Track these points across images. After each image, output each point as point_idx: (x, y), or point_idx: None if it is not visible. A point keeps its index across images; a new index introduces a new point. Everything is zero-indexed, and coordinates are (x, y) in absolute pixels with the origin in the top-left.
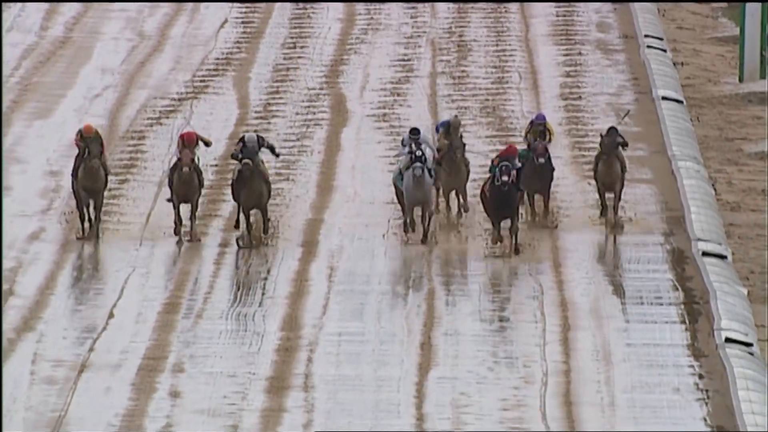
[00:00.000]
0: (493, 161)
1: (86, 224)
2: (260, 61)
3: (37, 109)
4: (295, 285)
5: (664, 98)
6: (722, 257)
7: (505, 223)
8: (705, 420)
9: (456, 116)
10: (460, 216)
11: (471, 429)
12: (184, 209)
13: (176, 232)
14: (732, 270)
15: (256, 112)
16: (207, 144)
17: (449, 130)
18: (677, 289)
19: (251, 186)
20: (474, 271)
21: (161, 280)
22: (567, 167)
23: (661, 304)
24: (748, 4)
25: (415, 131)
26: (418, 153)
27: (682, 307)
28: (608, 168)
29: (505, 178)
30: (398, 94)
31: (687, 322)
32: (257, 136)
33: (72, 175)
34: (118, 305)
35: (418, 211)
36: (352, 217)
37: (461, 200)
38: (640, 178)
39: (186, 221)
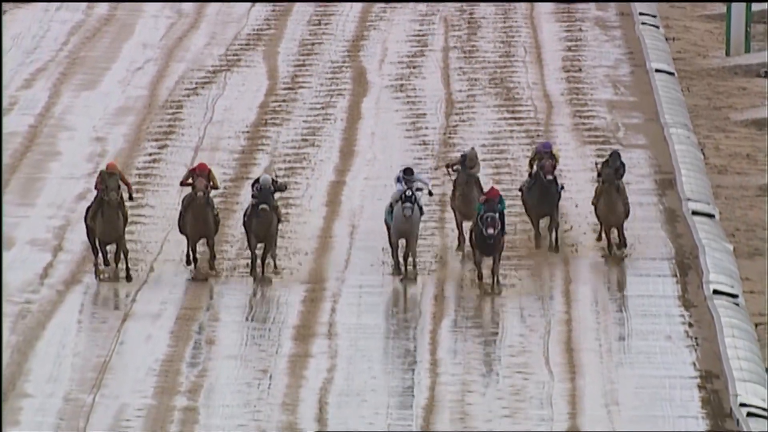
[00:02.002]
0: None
1: (110, 265)
2: (288, 37)
3: (84, 81)
4: (319, 241)
5: (657, 70)
6: (710, 216)
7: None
8: (694, 365)
9: (472, 148)
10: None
11: (480, 373)
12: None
13: (188, 262)
14: (719, 228)
15: (284, 83)
16: (215, 186)
17: (466, 162)
18: (669, 245)
19: (264, 222)
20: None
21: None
22: (568, 134)
23: (654, 259)
24: None
25: (408, 171)
26: (409, 193)
27: (674, 261)
28: (610, 207)
29: (490, 231)
30: (414, 67)
31: (678, 275)
32: (272, 179)
33: (85, 217)
34: (158, 260)
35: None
36: (372, 179)
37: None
38: (636, 143)
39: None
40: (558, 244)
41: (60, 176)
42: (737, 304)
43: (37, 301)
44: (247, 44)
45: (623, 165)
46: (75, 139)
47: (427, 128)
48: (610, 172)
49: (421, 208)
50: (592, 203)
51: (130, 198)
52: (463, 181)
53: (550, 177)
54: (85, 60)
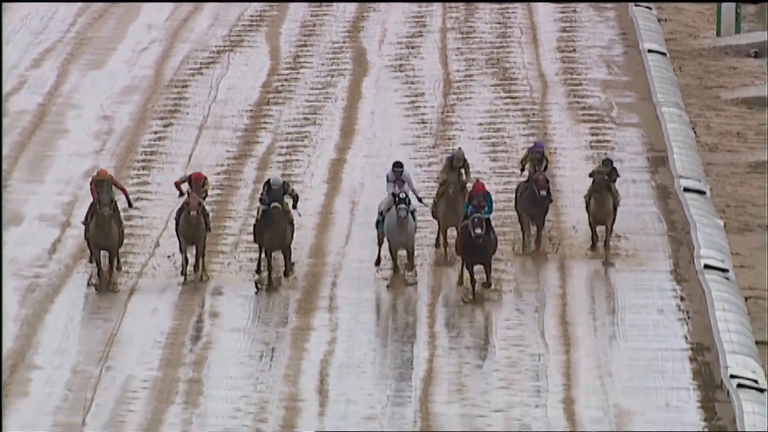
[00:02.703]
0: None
1: (104, 275)
2: (290, 18)
3: (91, 61)
4: (321, 217)
5: (649, 51)
6: (701, 192)
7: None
8: (686, 337)
9: (459, 148)
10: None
11: (477, 345)
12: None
13: (183, 273)
14: (710, 204)
15: (286, 63)
16: (205, 195)
17: (452, 164)
18: (661, 220)
19: (276, 227)
20: None
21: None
22: (563, 113)
23: (647, 234)
24: None
25: (398, 164)
26: (402, 195)
27: (666, 237)
28: (601, 204)
29: (478, 231)
30: (412, 47)
31: (670, 250)
32: (283, 181)
33: (83, 223)
34: (164, 236)
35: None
36: (372, 157)
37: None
38: (629, 122)
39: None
40: (540, 245)
41: (68, 153)
42: (728, 279)
43: (46, 276)
44: (250, 25)
45: (615, 171)
46: (82, 117)
47: (425, 107)
48: (601, 179)
49: (413, 213)
50: (585, 199)
51: (129, 205)
52: (452, 182)
53: (543, 192)
54: (92, 40)
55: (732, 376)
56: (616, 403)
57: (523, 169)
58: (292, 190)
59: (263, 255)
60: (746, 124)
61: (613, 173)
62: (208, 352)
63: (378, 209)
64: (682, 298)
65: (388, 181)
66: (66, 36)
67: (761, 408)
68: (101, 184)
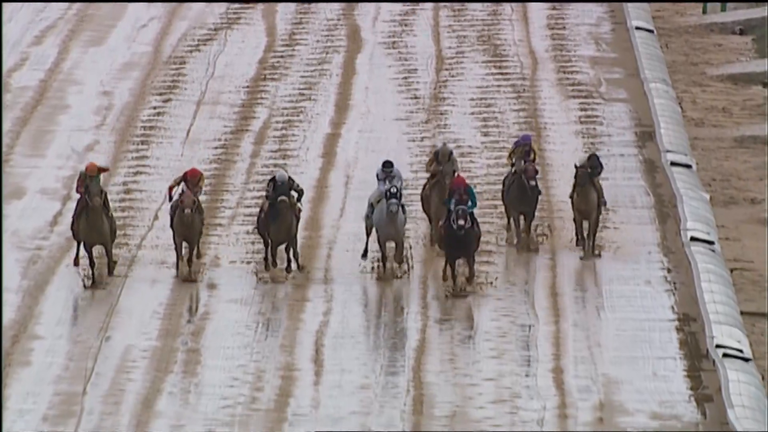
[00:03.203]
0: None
1: (96, 271)
2: None
3: (92, 38)
4: (316, 191)
5: (637, 28)
6: (688, 166)
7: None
8: (672, 308)
9: (445, 143)
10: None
11: (468, 316)
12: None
13: (177, 268)
14: (696, 178)
15: (282, 40)
16: (200, 188)
17: (439, 157)
18: (648, 194)
19: (283, 220)
20: (477, 189)
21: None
22: (553, 88)
23: (635, 207)
24: None
25: (388, 164)
26: (393, 190)
27: (653, 209)
28: (584, 197)
29: (461, 222)
30: (406, 25)
31: (657, 223)
32: (288, 176)
33: (73, 218)
34: (162, 209)
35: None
36: (366, 132)
37: None
38: (617, 97)
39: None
40: (528, 240)
41: (69, 128)
42: (713, 251)
43: (47, 248)
44: (246, 3)
45: (600, 165)
46: (83, 93)
47: (418, 83)
48: (584, 173)
49: (403, 207)
50: (570, 197)
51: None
52: (447, 173)
53: (533, 183)
54: (93, 18)
55: (718, 346)
56: (605, 372)
57: (513, 165)
58: (297, 185)
59: (269, 249)
60: (731, 100)
61: (597, 168)
62: (205, 323)
63: (368, 201)
64: (668, 270)
65: (378, 179)
66: (67, 13)
67: (746, 377)
68: (90, 179)
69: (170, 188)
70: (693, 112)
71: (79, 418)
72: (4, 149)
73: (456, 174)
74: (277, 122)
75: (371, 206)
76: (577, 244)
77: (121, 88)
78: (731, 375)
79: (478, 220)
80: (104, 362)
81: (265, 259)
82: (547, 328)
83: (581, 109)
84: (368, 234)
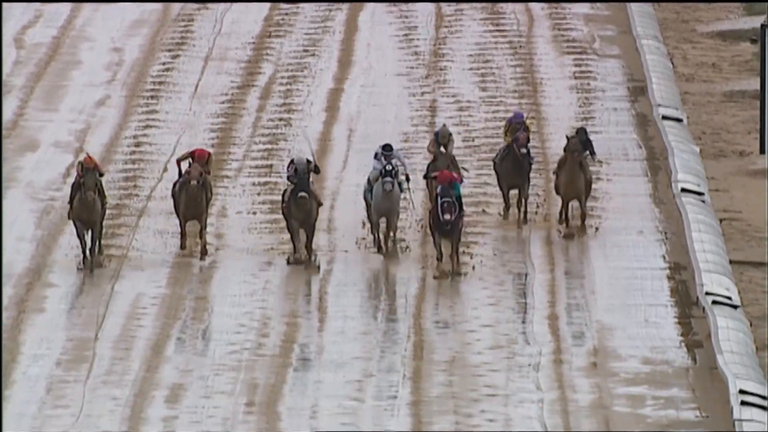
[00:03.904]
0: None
1: (87, 253)
2: None
3: None
4: (320, 144)
5: None
6: (678, 120)
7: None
8: (664, 257)
9: (444, 125)
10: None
11: (467, 265)
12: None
13: (182, 246)
14: (687, 131)
15: None
16: (208, 172)
17: (439, 138)
18: (641, 147)
19: (303, 208)
20: (475, 143)
21: (207, 137)
22: (548, 45)
23: (628, 160)
24: None
25: (387, 147)
26: (389, 168)
27: (645, 162)
28: (571, 180)
29: (447, 217)
30: None
31: (649, 175)
32: (306, 160)
33: (69, 203)
34: (171, 161)
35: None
36: (368, 87)
37: None
38: (610, 53)
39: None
40: (527, 216)
41: (81, 84)
42: (703, 201)
43: (60, 199)
44: None
45: (590, 141)
46: (95, 49)
47: (418, 40)
48: (576, 141)
49: (400, 185)
50: (554, 173)
51: (101, 176)
52: (442, 164)
53: (524, 150)
54: None
55: (707, 294)
56: (598, 319)
57: (506, 138)
58: (315, 166)
59: (292, 232)
60: (721, 56)
61: (588, 144)
62: (213, 272)
63: (367, 178)
64: (660, 220)
65: (376, 158)
66: None
67: (735, 323)
68: (87, 171)
69: (178, 162)
70: (684, 68)
71: (91, 363)
72: (18, 103)
73: (441, 171)
74: (282, 77)
75: (369, 183)
76: (560, 222)
77: (131, 44)
78: (720, 321)
79: (475, 174)
80: (116, 308)
81: (294, 246)
82: (542, 276)
83: (576, 65)
84: (370, 217)
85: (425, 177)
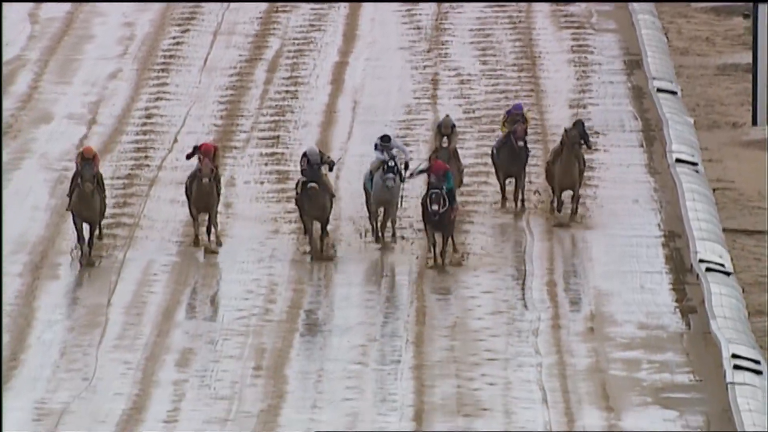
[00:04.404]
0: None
1: (85, 248)
2: None
3: None
4: (325, 115)
5: None
6: (673, 93)
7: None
8: (659, 226)
9: (447, 116)
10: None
11: (467, 231)
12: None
13: (196, 243)
14: (681, 103)
15: None
16: (216, 165)
17: (441, 128)
18: (636, 118)
19: (316, 201)
20: (475, 114)
21: (216, 109)
22: (546, 19)
23: (624, 131)
24: None
25: (386, 138)
26: (391, 163)
27: (641, 133)
28: (566, 169)
29: (435, 207)
30: None
31: (644, 145)
32: (319, 150)
33: (68, 195)
34: (181, 132)
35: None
36: (373, 60)
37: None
38: (607, 28)
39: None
40: (524, 205)
41: (94, 57)
42: (697, 171)
43: (73, 169)
44: None
45: (586, 133)
46: (107, 24)
47: (420, 14)
48: (575, 134)
49: (402, 179)
50: (547, 163)
51: (101, 186)
52: (443, 156)
53: (521, 143)
54: None
55: (701, 261)
56: (595, 285)
57: (504, 129)
58: (328, 157)
59: (305, 225)
60: (714, 30)
61: (584, 135)
62: (222, 239)
63: (369, 168)
64: (655, 190)
65: (376, 149)
66: None
67: (728, 290)
68: (86, 161)
69: (188, 156)
70: (678, 42)
71: (103, 328)
72: (33, 76)
73: (435, 159)
74: (289, 51)
75: (371, 173)
76: (552, 212)
77: (142, 19)
78: (713, 288)
79: (475, 144)
80: (128, 275)
81: (310, 240)
82: (540, 244)
83: (573, 39)
84: (369, 207)
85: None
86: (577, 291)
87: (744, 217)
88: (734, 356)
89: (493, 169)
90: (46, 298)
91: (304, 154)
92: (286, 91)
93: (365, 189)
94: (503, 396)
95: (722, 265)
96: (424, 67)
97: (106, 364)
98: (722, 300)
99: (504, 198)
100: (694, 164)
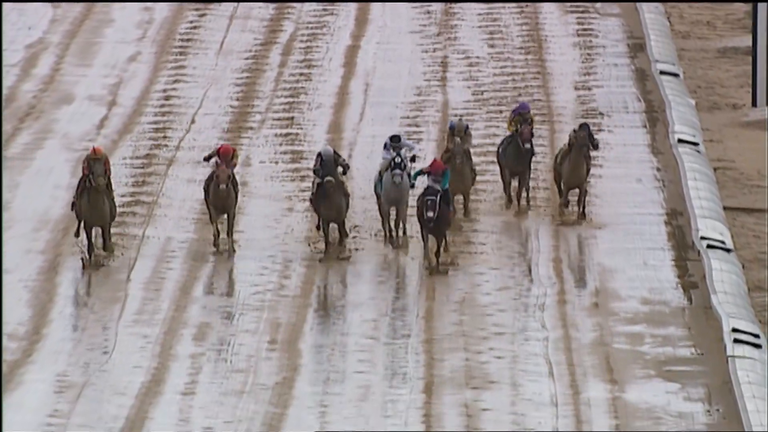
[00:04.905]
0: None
1: (94, 255)
2: None
3: None
4: (338, 97)
5: None
6: (675, 75)
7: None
8: (661, 204)
9: (460, 118)
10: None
11: (472, 209)
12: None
13: (215, 244)
14: (683, 85)
15: None
16: (234, 166)
17: (455, 131)
18: (640, 100)
19: (331, 200)
20: (483, 96)
21: (232, 91)
22: (552, 4)
23: (627, 112)
24: None
25: (395, 138)
26: (398, 160)
27: (644, 114)
28: (574, 169)
29: (430, 214)
30: None
31: (647, 126)
32: (333, 151)
33: (75, 199)
34: (199, 113)
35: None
36: (384, 44)
37: (465, 204)
38: (611, 12)
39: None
40: (529, 204)
41: (114, 41)
42: (698, 151)
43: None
44: None
45: (592, 136)
46: (126, 8)
47: None
48: (585, 135)
49: (410, 175)
50: (555, 162)
51: (108, 185)
52: (458, 151)
53: (527, 145)
54: None
55: (702, 238)
56: (600, 261)
57: (510, 128)
58: (343, 160)
59: (321, 225)
60: (715, 14)
61: (592, 138)
62: (238, 217)
63: (378, 170)
64: (658, 169)
65: (385, 148)
66: None
67: (728, 266)
68: (96, 162)
69: (205, 159)
70: (680, 26)
71: (123, 303)
72: (55, 59)
73: (434, 159)
74: (303, 35)
75: (380, 174)
76: (561, 211)
77: (160, 4)
78: (714, 264)
79: (484, 125)
80: (146, 252)
81: (318, 229)
82: (546, 221)
83: (578, 23)
84: (380, 209)
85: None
86: (582, 267)
87: (744, 195)
88: (734, 330)
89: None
90: (68, 273)
91: (319, 154)
92: (300, 74)
93: (376, 193)
94: (510, 369)
95: (723, 242)
96: (434, 50)
97: (126, 338)
98: (723, 276)
99: (509, 197)
100: (696, 144)
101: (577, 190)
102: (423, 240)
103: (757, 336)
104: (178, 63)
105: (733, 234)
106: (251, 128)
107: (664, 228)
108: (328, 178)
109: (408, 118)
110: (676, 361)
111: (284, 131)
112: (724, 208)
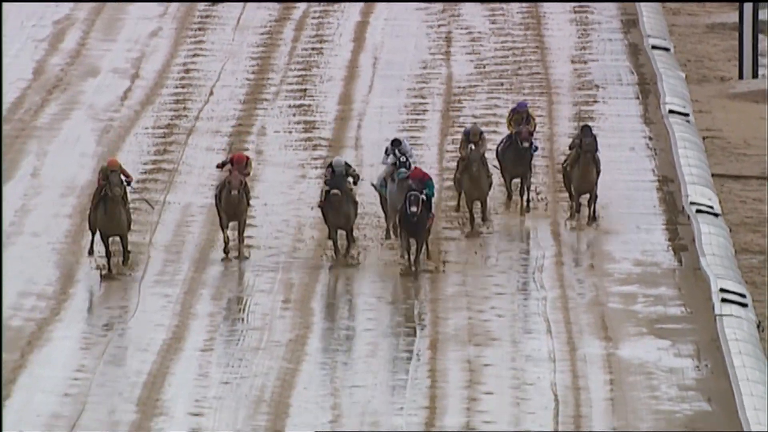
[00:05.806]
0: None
1: (113, 265)
2: None
3: None
4: (348, 70)
5: None
6: (666, 49)
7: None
8: (653, 171)
9: (474, 124)
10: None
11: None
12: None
13: (225, 251)
14: (674, 59)
15: None
16: (248, 173)
17: (470, 136)
18: (633, 73)
19: (339, 209)
20: (485, 69)
21: (249, 64)
22: None
23: (621, 85)
24: None
25: (396, 141)
26: (402, 159)
27: (636, 86)
28: (584, 174)
29: (413, 209)
30: None
31: (640, 97)
32: (345, 162)
33: (91, 211)
34: (217, 85)
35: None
36: (391, 20)
37: (482, 210)
38: None
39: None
40: (529, 205)
41: (136, 17)
42: (688, 122)
43: (118, 119)
44: None
45: (595, 137)
46: None
47: None
48: (591, 142)
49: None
50: (564, 167)
51: (128, 183)
52: (475, 158)
53: (525, 144)
54: None
55: (692, 203)
56: (595, 225)
57: (510, 128)
58: (353, 170)
59: (329, 233)
60: None
61: (593, 142)
62: (253, 183)
63: (380, 174)
64: (650, 138)
65: (386, 153)
66: None
67: (716, 230)
68: (112, 173)
69: (218, 167)
70: (671, 3)
71: (145, 264)
72: (81, 34)
73: (414, 167)
74: (315, 11)
75: (383, 179)
76: (571, 216)
77: None
78: (703, 228)
79: (485, 97)
80: (168, 218)
81: (329, 238)
82: (544, 189)
83: (576, 11)
84: (384, 209)
85: (455, 179)
86: (578, 230)
87: (731, 163)
88: (722, 290)
89: (500, 109)
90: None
91: (330, 164)
92: (313, 48)
93: (379, 192)
94: (510, 327)
95: (711, 207)
96: (439, 26)
97: (148, 298)
98: (711, 239)
99: (510, 197)
100: (686, 115)
101: (587, 195)
102: (400, 240)
103: (743, 296)
104: (197, 38)
105: (720, 199)
106: (266, 99)
107: (656, 194)
108: (335, 191)
109: (414, 89)
110: (667, 319)
111: (297, 102)
112: (713, 175)
